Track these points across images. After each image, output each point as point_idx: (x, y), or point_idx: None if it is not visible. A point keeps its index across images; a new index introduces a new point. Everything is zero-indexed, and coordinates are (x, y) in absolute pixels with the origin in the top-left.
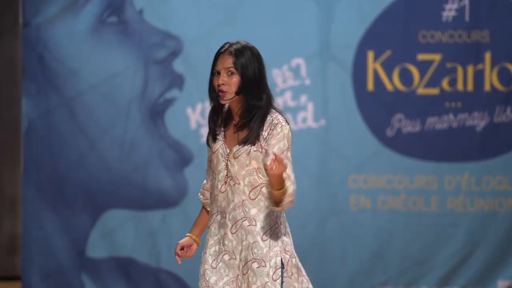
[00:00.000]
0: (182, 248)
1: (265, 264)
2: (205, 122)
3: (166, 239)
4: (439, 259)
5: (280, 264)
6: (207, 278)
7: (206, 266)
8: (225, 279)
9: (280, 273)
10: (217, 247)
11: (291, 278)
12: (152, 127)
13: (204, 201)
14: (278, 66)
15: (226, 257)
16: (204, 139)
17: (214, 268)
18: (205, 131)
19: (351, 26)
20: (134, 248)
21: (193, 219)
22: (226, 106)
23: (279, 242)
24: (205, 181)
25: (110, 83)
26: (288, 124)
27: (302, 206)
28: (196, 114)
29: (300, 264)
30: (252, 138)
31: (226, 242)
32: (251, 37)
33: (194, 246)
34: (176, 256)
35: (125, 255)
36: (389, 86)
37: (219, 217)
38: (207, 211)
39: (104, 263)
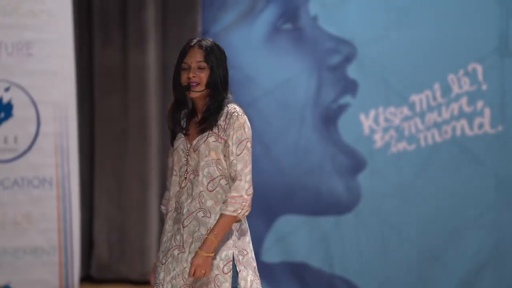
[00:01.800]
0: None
1: (215, 257)
2: (379, 128)
3: (339, 244)
4: None
5: (231, 258)
6: (157, 275)
7: (157, 263)
8: (172, 273)
9: (231, 266)
10: (168, 243)
11: (238, 274)
12: (325, 133)
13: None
14: (454, 71)
15: (176, 251)
16: (378, 144)
17: (164, 264)
18: (378, 136)
19: None
20: (308, 253)
21: (366, 225)
22: (189, 105)
23: (233, 236)
24: (166, 191)
25: (284, 88)
26: (244, 114)
27: (481, 214)
28: (369, 120)
29: (253, 264)
30: (208, 126)
31: (178, 237)
32: (426, 40)
33: None
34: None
35: (299, 260)
36: None
37: (175, 213)
38: None
39: (278, 267)
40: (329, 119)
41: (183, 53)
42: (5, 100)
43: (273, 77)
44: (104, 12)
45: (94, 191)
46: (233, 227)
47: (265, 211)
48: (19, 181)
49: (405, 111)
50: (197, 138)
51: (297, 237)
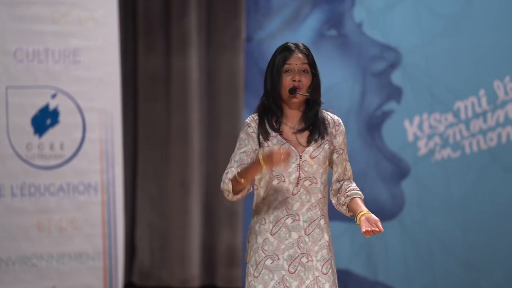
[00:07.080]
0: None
1: (312, 258)
2: (423, 134)
3: (382, 251)
4: None
5: (327, 258)
6: (288, 285)
7: (283, 272)
8: (307, 282)
9: (329, 266)
10: (291, 251)
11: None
12: (369, 139)
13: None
14: (499, 77)
15: (304, 259)
16: (422, 151)
17: (293, 273)
18: (422, 143)
19: None
20: (351, 260)
21: (410, 232)
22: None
23: (325, 236)
24: (229, 170)
25: (328, 95)
26: None
27: None
28: (413, 127)
29: None
30: (324, 136)
31: (302, 244)
32: (471, 46)
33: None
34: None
35: (342, 267)
36: None
37: (289, 220)
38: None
39: None
40: (373, 125)
41: (285, 56)
42: (51, 106)
43: None
44: (147, 18)
45: (136, 197)
46: (327, 227)
47: None
48: (65, 187)
49: (450, 117)
50: (313, 146)
51: (340, 243)
